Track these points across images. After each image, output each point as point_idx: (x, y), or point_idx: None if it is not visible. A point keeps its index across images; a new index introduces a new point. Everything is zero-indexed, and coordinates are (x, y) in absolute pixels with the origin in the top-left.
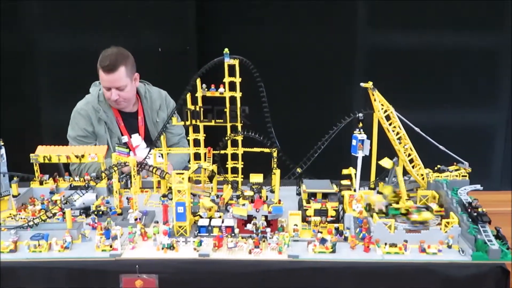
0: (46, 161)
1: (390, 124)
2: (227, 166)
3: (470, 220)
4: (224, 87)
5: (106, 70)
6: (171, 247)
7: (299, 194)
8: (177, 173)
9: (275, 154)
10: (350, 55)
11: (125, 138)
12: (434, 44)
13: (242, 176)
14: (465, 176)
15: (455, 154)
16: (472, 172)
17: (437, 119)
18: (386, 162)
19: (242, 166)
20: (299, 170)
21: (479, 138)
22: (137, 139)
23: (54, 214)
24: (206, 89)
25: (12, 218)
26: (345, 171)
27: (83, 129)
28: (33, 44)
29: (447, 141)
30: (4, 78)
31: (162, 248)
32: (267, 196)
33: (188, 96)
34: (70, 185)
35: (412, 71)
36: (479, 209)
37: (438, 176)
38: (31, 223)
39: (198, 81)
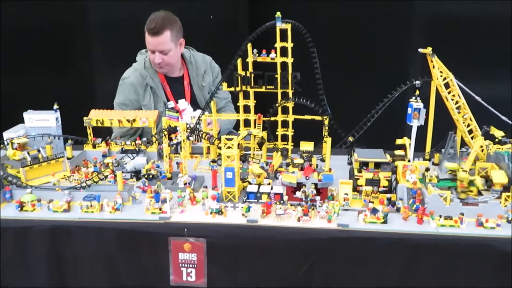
0: (99, 124)
1: (449, 93)
2: (277, 133)
3: None
4: (276, 53)
5: (151, 32)
6: (219, 212)
7: (350, 163)
8: (227, 139)
9: (326, 122)
10: (406, 23)
11: (171, 104)
12: (497, 12)
13: (292, 144)
14: None
15: None
16: None
17: (500, 90)
18: None
19: (293, 133)
20: (351, 139)
21: None
22: (183, 104)
23: (106, 177)
24: (257, 55)
25: (66, 180)
26: (399, 141)
27: (127, 97)
28: (85, 13)
29: (511, 113)
30: (59, 45)
31: (211, 213)
32: (317, 165)
33: (239, 61)
34: (122, 148)
35: (473, 40)
36: None
37: (499, 148)
38: (83, 184)
39: (249, 46)
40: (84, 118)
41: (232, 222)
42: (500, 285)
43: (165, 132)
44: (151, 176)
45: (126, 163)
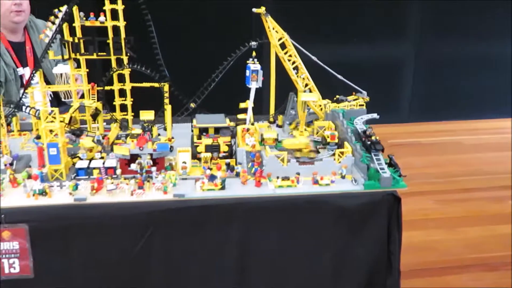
0: None
1: (285, 53)
2: (114, 103)
3: (364, 149)
4: (105, 16)
5: None
6: (43, 192)
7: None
8: (49, 112)
9: (166, 89)
10: None
11: (21, 70)
12: None
13: (133, 113)
14: (362, 105)
15: (359, 87)
16: (381, 105)
17: (346, 53)
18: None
19: (132, 102)
20: (192, 105)
21: (388, 72)
22: (27, 72)
23: None
24: (84, 18)
25: None
26: (242, 105)
27: None
28: None
29: (354, 74)
30: None
31: (33, 195)
32: (159, 134)
33: (65, 26)
34: None
35: (320, 5)
36: (373, 137)
37: (336, 107)
38: None
39: (75, 9)
40: None
41: (57, 202)
42: (337, 236)
43: None
44: None
45: None
